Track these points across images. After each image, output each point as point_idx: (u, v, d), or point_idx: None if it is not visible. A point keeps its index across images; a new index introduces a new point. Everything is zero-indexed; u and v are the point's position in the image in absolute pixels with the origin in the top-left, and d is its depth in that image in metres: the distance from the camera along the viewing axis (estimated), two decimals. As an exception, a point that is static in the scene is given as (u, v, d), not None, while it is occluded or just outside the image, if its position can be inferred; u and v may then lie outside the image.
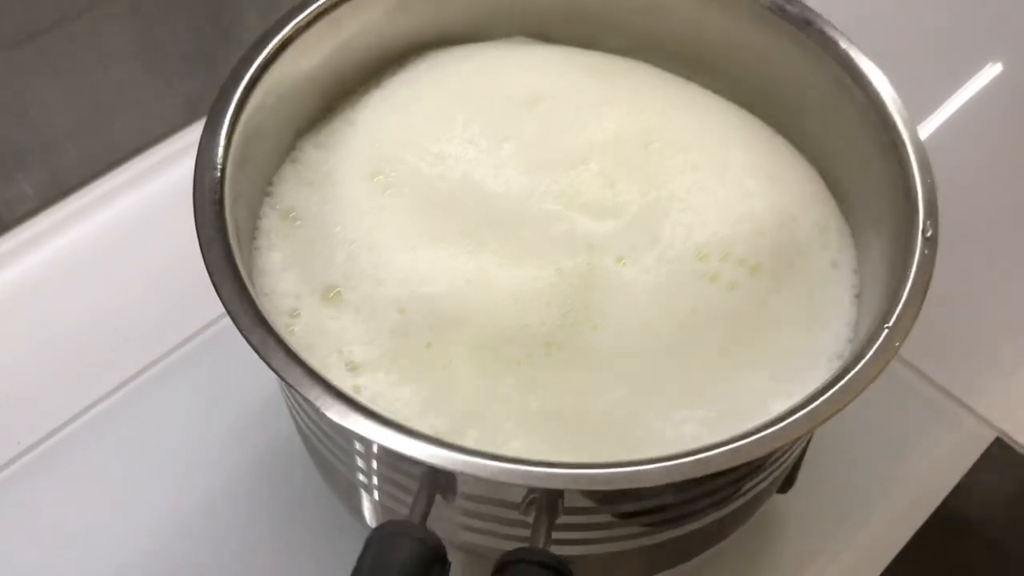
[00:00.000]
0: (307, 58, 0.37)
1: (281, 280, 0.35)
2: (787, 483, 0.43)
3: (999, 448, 0.49)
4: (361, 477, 0.33)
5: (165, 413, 0.48)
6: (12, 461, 0.47)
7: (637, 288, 0.34)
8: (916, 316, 0.30)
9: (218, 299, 0.51)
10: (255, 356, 0.49)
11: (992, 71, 0.65)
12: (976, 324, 0.53)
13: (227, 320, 0.52)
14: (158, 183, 0.56)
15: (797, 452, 0.37)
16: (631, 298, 0.33)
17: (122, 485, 0.46)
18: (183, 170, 0.56)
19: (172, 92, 0.56)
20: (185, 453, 0.47)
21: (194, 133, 0.58)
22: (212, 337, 0.50)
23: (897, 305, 0.30)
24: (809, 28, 0.37)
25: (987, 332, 0.53)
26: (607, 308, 0.33)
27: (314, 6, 0.37)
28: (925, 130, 0.61)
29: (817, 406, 0.28)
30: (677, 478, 0.27)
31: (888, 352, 0.29)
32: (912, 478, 0.48)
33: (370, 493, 0.34)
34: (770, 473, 0.34)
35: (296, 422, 0.37)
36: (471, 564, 0.34)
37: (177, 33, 0.54)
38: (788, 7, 0.38)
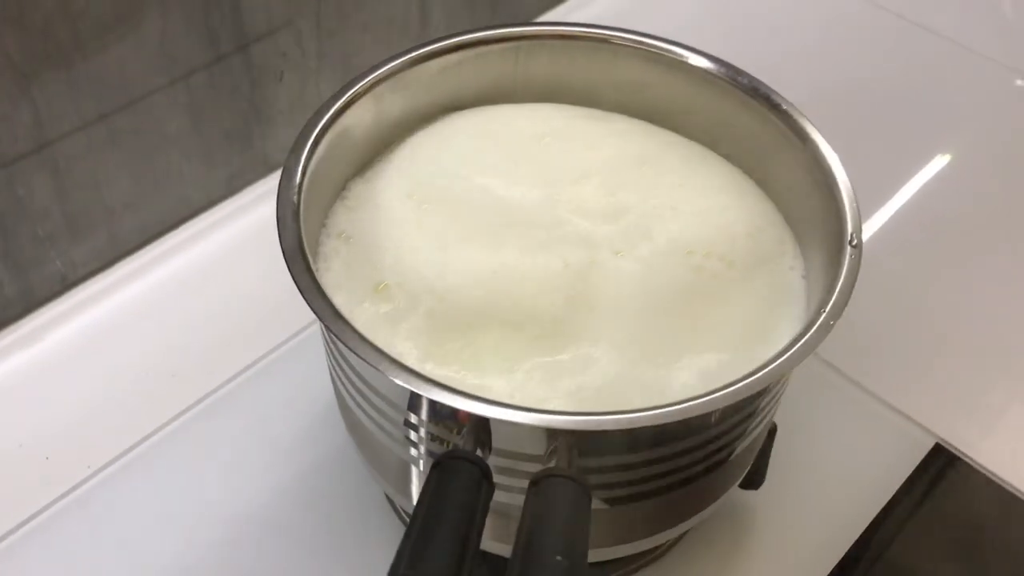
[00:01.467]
0: (356, 122, 0.46)
1: (335, 296, 0.43)
2: (757, 480, 0.51)
3: (938, 452, 0.55)
4: (412, 451, 0.41)
5: (222, 436, 0.55)
6: (84, 481, 0.53)
7: (635, 275, 0.42)
8: (846, 303, 0.38)
9: (273, 324, 0.59)
10: (299, 387, 0.56)
11: (940, 162, 0.72)
12: (916, 348, 0.61)
13: (270, 357, 0.59)
14: (204, 247, 0.63)
15: (759, 430, 0.44)
16: (628, 282, 0.42)
17: (184, 498, 0.52)
18: (226, 235, 0.65)
19: (215, 168, 0.64)
20: (242, 470, 0.53)
21: (233, 205, 0.66)
22: (257, 373, 0.57)
23: (832, 295, 0.39)
24: (756, 93, 0.47)
25: (926, 355, 0.60)
26: (607, 290, 0.42)
27: (360, 84, 0.46)
28: (876, 220, 0.67)
29: (773, 367, 0.36)
30: (673, 419, 0.35)
31: (825, 328, 0.37)
32: (862, 481, 0.54)
33: (418, 466, 0.41)
34: (738, 436, 0.42)
35: (350, 408, 0.44)
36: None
37: (222, 115, 0.63)
38: (739, 78, 0.47)
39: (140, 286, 0.61)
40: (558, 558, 0.30)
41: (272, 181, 0.66)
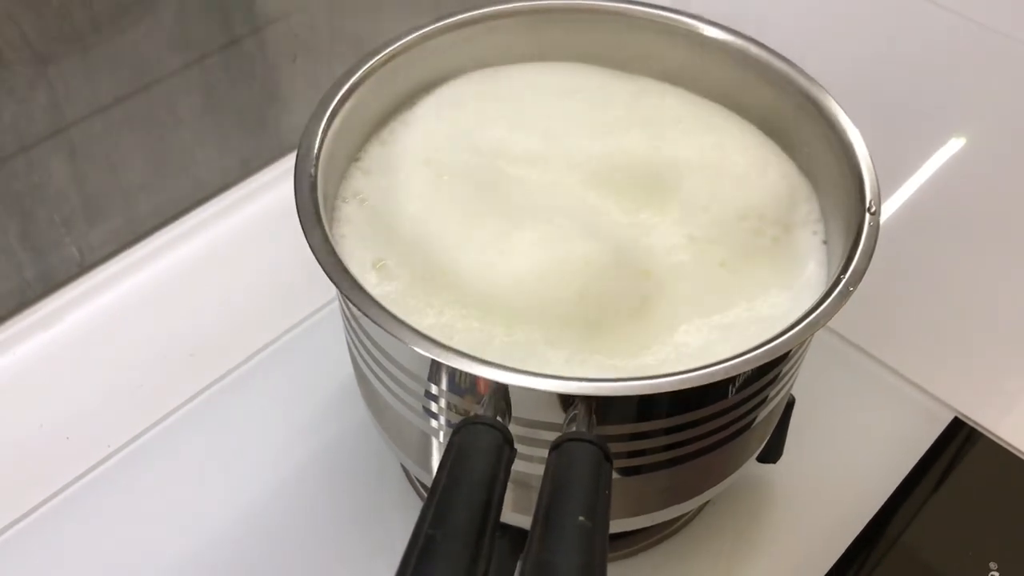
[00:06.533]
0: (372, 94, 0.46)
1: (351, 264, 0.43)
2: (775, 454, 0.51)
3: (957, 426, 0.55)
4: (432, 423, 0.41)
5: (241, 414, 0.55)
6: (105, 460, 0.53)
7: (697, 241, 0.42)
8: (866, 269, 0.38)
9: (291, 300, 0.58)
10: (317, 365, 0.56)
11: (959, 142, 0.72)
12: (934, 322, 0.61)
13: (288, 336, 0.59)
14: (220, 228, 0.64)
15: (778, 399, 0.44)
16: (687, 249, 0.42)
17: (204, 476, 0.53)
18: (242, 216, 0.65)
19: (230, 150, 0.65)
20: (261, 447, 0.53)
21: (248, 186, 0.67)
22: (274, 352, 0.58)
23: (852, 260, 0.39)
24: (771, 65, 0.46)
25: (944, 329, 0.60)
26: (663, 259, 0.41)
27: (375, 58, 0.46)
28: (896, 198, 0.67)
29: (794, 332, 0.36)
30: (701, 382, 0.35)
31: (845, 293, 0.37)
32: (880, 455, 0.54)
33: (438, 438, 0.42)
34: (758, 404, 0.42)
35: (369, 381, 0.44)
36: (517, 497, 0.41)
37: (236, 98, 0.63)
38: (752, 48, 0.47)
39: (157, 268, 0.62)
40: (581, 519, 0.30)
41: (287, 162, 0.67)
